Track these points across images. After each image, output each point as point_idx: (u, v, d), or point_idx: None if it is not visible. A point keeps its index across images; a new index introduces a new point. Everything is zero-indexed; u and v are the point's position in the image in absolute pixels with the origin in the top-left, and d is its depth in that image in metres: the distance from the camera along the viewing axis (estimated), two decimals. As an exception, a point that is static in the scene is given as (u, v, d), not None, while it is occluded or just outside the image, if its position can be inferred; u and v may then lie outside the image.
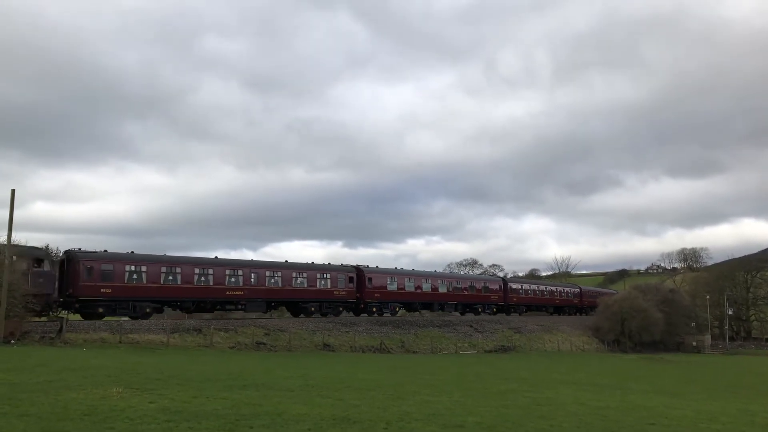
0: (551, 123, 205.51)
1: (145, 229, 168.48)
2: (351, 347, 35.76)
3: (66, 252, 33.86)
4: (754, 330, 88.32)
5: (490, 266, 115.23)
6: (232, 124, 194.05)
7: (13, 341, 25.29)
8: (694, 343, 65.14)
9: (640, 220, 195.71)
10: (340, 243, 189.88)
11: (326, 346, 34.59)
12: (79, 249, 33.65)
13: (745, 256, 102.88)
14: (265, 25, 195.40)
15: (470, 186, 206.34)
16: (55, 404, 10.14)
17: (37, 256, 30.32)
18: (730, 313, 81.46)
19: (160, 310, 36.88)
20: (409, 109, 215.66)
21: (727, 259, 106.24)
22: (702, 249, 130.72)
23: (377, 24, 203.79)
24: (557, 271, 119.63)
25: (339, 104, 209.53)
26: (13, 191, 27.41)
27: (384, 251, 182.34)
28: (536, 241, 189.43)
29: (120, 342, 28.21)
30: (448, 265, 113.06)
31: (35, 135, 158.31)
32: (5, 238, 27.02)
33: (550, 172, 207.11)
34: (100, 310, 33.09)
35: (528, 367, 29.23)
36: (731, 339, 78.92)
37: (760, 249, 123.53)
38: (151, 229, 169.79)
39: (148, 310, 34.90)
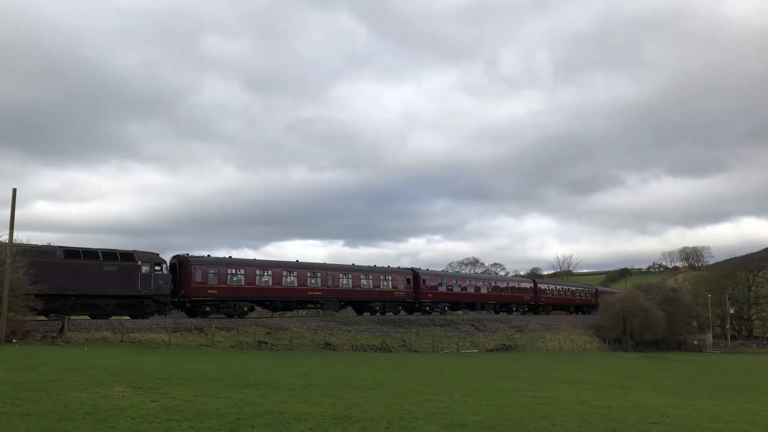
0: (552, 122, 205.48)
1: (146, 228, 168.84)
2: (352, 346, 35.78)
3: (177, 257, 36.82)
4: (755, 329, 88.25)
5: (492, 265, 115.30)
6: (234, 124, 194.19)
7: (14, 340, 25.32)
8: (696, 342, 65.10)
9: (641, 219, 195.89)
10: (341, 242, 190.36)
11: (328, 345, 34.61)
12: (187, 254, 36.90)
13: (746, 255, 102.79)
14: (266, 25, 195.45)
15: (472, 185, 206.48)
16: (57, 403, 10.14)
17: (157, 261, 33.65)
18: (732, 312, 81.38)
19: (251, 309, 40.24)
20: (410, 108, 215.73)
21: (728, 258, 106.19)
22: (703, 248, 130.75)
23: (378, 24, 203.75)
24: (559, 270, 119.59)
25: (340, 104, 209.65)
26: (14, 190, 27.45)
27: (385, 250, 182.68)
28: (538, 240, 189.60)
29: (122, 341, 28.23)
30: (449, 264, 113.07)
31: (36, 134, 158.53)
32: (6, 237, 27.04)
33: (551, 171, 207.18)
34: (207, 308, 36.70)
35: (529, 366, 29.22)
36: (733, 338, 78.85)
37: (761, 248, 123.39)
38: (153, 228, 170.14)
39: (245, 308, 38.86)
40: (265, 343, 32.77)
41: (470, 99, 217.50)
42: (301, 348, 33.21)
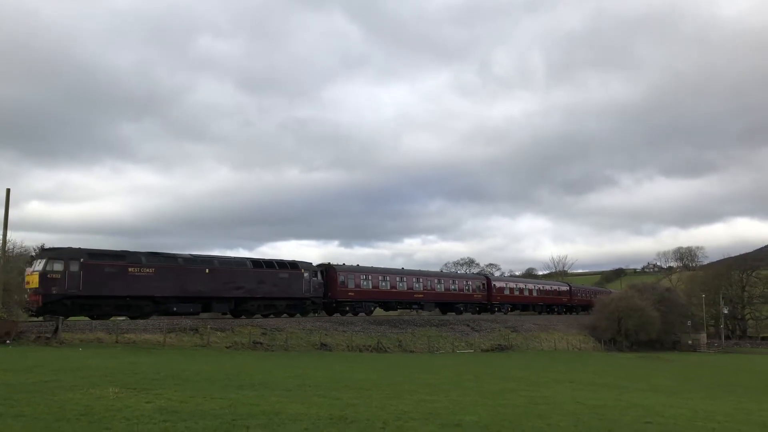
0: (546, 123, 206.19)
1: (140, 229, 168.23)
2: (348, 346, 35.75)
3: (323, 265, 43.63)
4: (749, 329, 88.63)
5: (487, 265, 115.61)
6: (228, 125, 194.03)
7: (8, 341, 25.19)
8: (690, 342, 65.30)
9: (635, 220, 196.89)
10: (336, 242, 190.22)
11: (323, 346, 34.57)
12: (329, 263, 44.17)
13: (740, 255, 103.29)
14: (259, 25, 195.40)
15: (466, 186, 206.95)
16: (52, 405, 10.10)
17: (314, 269, 40.92)
18: (726, 311, 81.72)
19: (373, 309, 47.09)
20: (404, 109, 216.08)
21: (722, 258, 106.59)
22: (698, 248, 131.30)
23: (371, 25, 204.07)
24: (554, 271, 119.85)
25: (334, 105, 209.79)
26: (8, 191, 27.32)
27: (380, 250, 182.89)
28: (532, 240, 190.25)
29: (116, 342, 28.12)
30: (445, 265, 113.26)
31: (30, 135, 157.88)
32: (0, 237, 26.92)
33: (545, 171, 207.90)
34: (347, 308, 43.68)
35: (525, 366, 29.27)
36: (727, 338, 79.18)
37: (754, 248, 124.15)
38: (147, 229, 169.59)
39: (372, 308, 46.13)
40: (261, 343, 32.70)
41: (464, 100, 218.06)
42: (297, 348, 33.16)
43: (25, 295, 28.76)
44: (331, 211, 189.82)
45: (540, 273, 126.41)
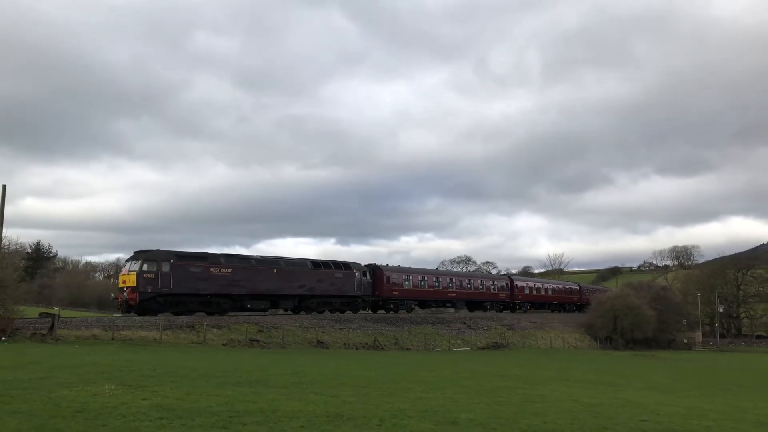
0: (544, 121, 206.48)
1: (137, 225, 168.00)
2: (344, 344, 35.75)
3: (370, 265, 46.52)
4: (744, 327, 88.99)
5: (484, 263, 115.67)
6: (225, 122, 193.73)
7: (3, 338, 25.13)
8: (686, 341, 65.53)
9: (631, 218, 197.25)
10: (333, 240, 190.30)
11: (320, 343, 34.56)
12: (376, 264, 47.17)
13: (735, 254, 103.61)
14: (257, 22, 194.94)
15: (463, 183, 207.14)
16: (47, 401, 10.08)
17: (363, 269, 44.30)
18: (721, 310, 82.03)
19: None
20: (402, 106, 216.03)
21: (718, 256, 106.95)
22: (693, 247, 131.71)
23: (369, 22, 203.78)
24: (550, 269, 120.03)
25: (332, 102, 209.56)
26: (3, 187, 27.27)
27: (377, 248, 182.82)
28: (529, 238, 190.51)
29: (113, 339, 28.07)
30: (442, 263, 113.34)
31: (26, 131, 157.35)
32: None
33: (542, 169, 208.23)
34: (391, 306, 46.88)
35: (521, 364, 29.33)
36: (722, 336, 79.47)
37: (749, 247, 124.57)
38: (144, 225, 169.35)
39: (413, 306, 49.46)
40: (258, 341, 32.67)
41: (461, 97, 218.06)
42: (293, 346, 33.15)
43: (113, 294, 31.95)
44: (328, 208, 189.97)
45: (536, 271, 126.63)
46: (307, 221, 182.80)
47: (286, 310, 40.48)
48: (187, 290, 33.54)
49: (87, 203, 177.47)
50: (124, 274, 33.11)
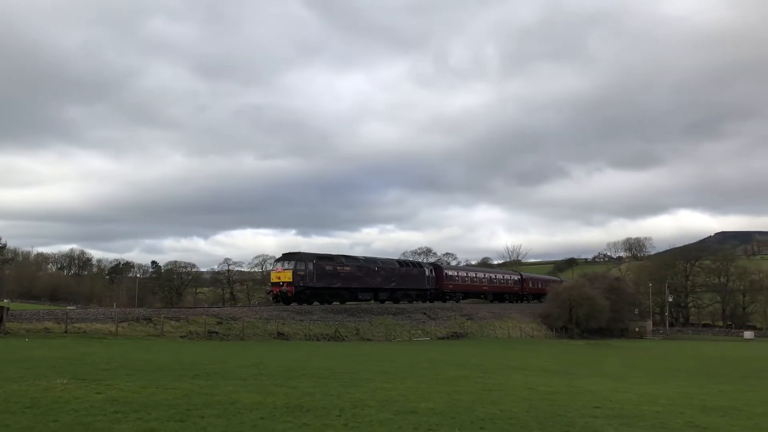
0: (503, 114, 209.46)
1: (91, 215, 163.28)
2: (306, 336, 35.62)
3: (432, 264, 60.71)
4: (691, 316, 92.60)
5: (444, 254, 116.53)
6: (181, 110, 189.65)
7: (-52, 332, 24.10)
8: (637, 329, 67.73)
9: (586, 211, 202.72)
10: (293, 231, 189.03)
11: (280, 335, 34.34)
12: (436, 263, 59.69)
13: (685, 246, 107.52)
14: (214, 9, 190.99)
15: (424, 175, 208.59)
16: (-5, 397, 9.72)
17: (429, 267, 55.59)
18: (671, 300, 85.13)
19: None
20: (361, 98, 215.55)
21: (668, 248, 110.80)
22: (645, 239, 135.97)
23: (328, 12, 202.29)
24: (509, 260, 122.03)
25: (290, 91, 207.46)
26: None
27: (338, 240, 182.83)
28: (487, 230, 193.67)
29: (66, 331, 27.24)
30: (403, 254, 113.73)
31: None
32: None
33: (501, 162, 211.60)
34: (448, 297, 56.29)
35: (479, 353, 29.80)
36: (671, 324, 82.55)
37: (697, 239, 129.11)
38: (98, 216, 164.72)
39: (461, 297, 59.30)
40: (216, 333, 32.23)
41: (421, 89, 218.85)
42: (253, 338, 32.84)
43: (267, 287, 42.82)
44: (288, 199, 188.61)
45: (495, 262, 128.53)
46: (267, 212, 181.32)
47: (382, 300, 47.70)
48: (325, 284, 41.92)
49: (37, 192, 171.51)
50: (278, 271, 40.82)
